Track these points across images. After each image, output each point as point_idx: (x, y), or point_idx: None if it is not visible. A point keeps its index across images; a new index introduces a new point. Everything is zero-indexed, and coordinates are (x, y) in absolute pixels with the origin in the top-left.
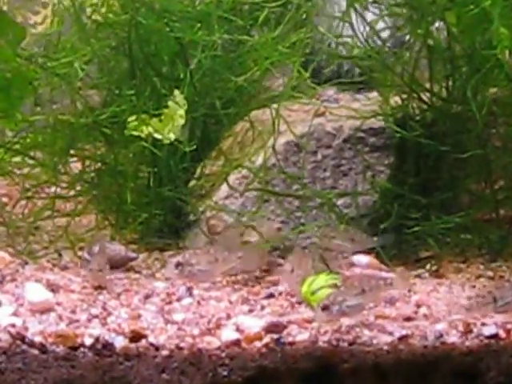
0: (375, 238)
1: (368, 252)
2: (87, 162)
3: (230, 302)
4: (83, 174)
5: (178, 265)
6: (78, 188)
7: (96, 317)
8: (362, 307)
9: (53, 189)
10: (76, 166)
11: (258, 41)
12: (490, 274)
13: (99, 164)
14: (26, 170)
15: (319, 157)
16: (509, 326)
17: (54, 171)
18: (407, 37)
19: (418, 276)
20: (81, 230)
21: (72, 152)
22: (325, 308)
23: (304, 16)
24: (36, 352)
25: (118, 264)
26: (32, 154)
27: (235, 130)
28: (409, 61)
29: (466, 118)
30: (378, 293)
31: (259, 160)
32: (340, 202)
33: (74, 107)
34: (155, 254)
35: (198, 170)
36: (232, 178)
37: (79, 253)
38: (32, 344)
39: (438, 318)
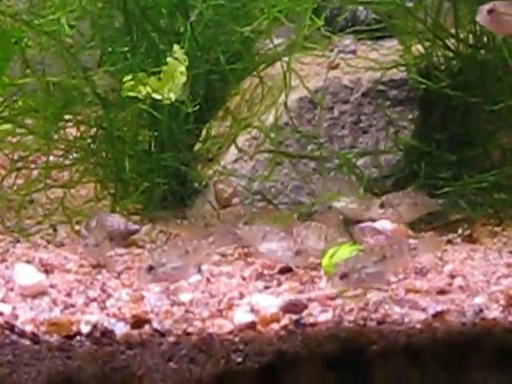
0: (440, 201)
1: None
2: (82, 128)
3: (243, 278)
4: (78, 141)
5: (150, 269)
6: (74, 156)
7: (94, 300)
8: (382, 274)
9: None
10: (71, 132)
11: None
12: None
13: (95, 129)
14: (17, 139)
15: (336, 113)
16: None
17: (46, 138)
18: None
19: (450, 242)
20: (78, 202)
21: (66, 117)
22: (343, 276)
23: None
24: (27, 342)
25: (118, 238)
26: (22, 120)
27: (243, 86)
28: (431, 4)
29: (496, 66)
30: (400, 259)
31: (270, 119)
32: (360, 162)
33: (67, 68)
34: (160, 226)
35: (204, 132)
36: (241, 140)
37: (76, 227)
38: (23, 334)
39: (476, 291)
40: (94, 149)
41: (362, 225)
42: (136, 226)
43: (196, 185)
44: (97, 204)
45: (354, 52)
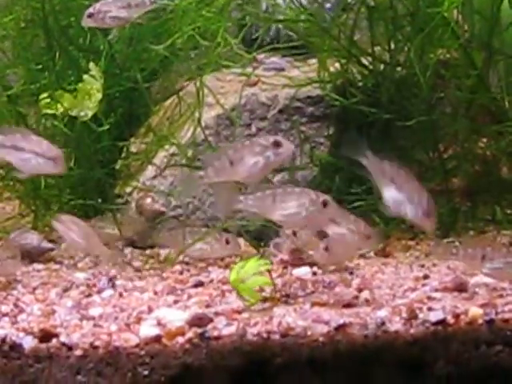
0: None
1: None
2: None
3: (155, 293)
4: None
5: None
6: None
7: (6, 315)
8: None
9: None
10: None
11: (179, 5)
12: (441, 250)
13: None
14: None
15: (253, 130)
16: (457, 311)
17: None
18: None
19: (363, 256)
20: (2, 218)
21: None
22: None
23: None
24: None
25: (35, 255)
26: None
27: (165, 103)
28: (347, 22)
29: (411, 83)
30: None
31: (188, 135)
32: (277, 178)
33: None
34: None
35: (125, 149)
36: (160, 157)
37: None
38: None
39: (381, 304)
40: None
41: (277, 240)
42: (50, 245)
43: (117, 200)
44: (20, 220)
45: (282, 69)
